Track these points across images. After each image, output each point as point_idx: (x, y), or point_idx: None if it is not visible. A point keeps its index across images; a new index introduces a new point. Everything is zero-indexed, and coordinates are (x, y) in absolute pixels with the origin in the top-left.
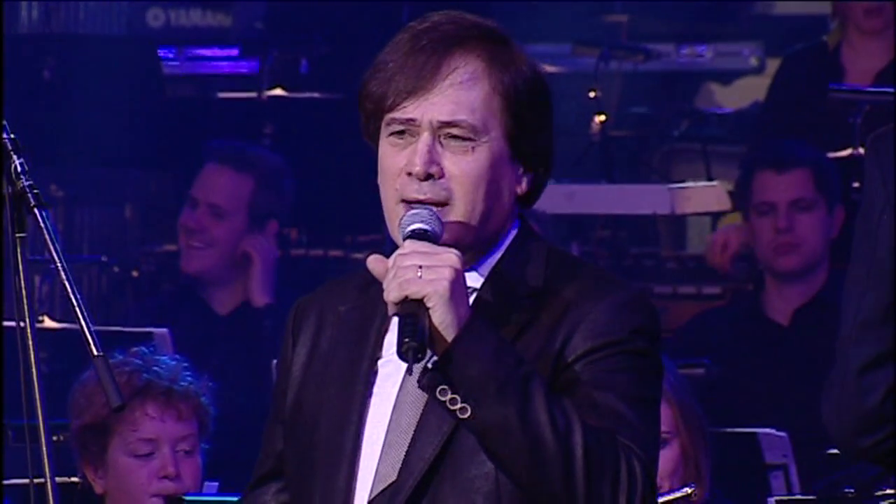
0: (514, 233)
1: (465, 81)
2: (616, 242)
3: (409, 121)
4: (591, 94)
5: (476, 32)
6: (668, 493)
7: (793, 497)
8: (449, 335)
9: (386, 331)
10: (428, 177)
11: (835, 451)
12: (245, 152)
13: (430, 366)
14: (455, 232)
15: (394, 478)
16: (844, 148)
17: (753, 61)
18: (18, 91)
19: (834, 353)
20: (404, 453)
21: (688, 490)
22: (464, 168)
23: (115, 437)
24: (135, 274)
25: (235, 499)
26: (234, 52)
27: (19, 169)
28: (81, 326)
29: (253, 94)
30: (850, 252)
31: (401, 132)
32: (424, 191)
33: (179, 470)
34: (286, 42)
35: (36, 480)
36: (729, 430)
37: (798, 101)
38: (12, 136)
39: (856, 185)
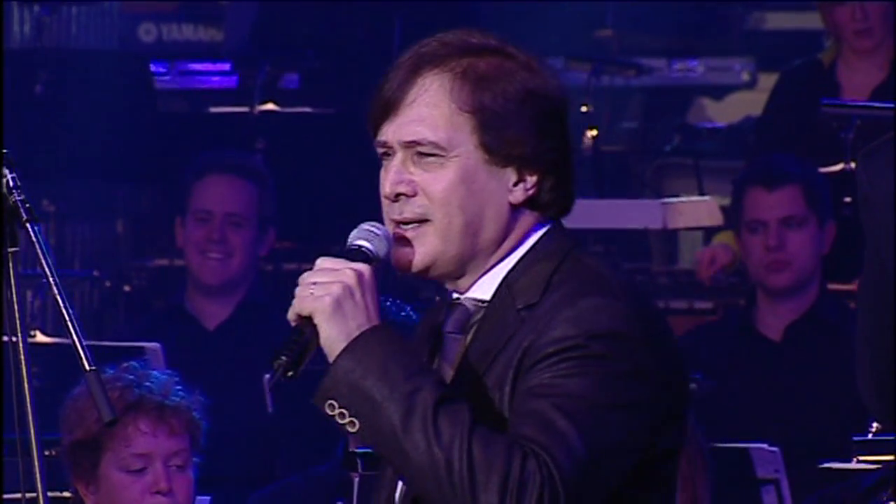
0: (530, 241)
1: (427, 100)
2: (607, 257)
3: (384, 143)
4: (583, 109)
5: (455, 50)
6: None
7: None
8: (335, 351)
9: (436, 352)
10: (399, 196)
11: (827, 465)
12: (242, 160)
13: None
14: (436, 246)
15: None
16: (836, 163)
17: (745, 76)
18: (10, 106)
19: (826, 369)
20: None
21: None
22: (433, 184)
23: (107, 452)
24: (127, 288)
25: None
26: (226, 66)
27: (11, 184)
28: (73, 341)
29: (245, 109)
30: (841, 267)
31: (385, 154)
32: (401, 210)
33: (172, 485)
34: (278, 57)
35: (28, 495)
36: (720, 444)
37: (793, 117)
38: (4, 150)
39: (847, 199)
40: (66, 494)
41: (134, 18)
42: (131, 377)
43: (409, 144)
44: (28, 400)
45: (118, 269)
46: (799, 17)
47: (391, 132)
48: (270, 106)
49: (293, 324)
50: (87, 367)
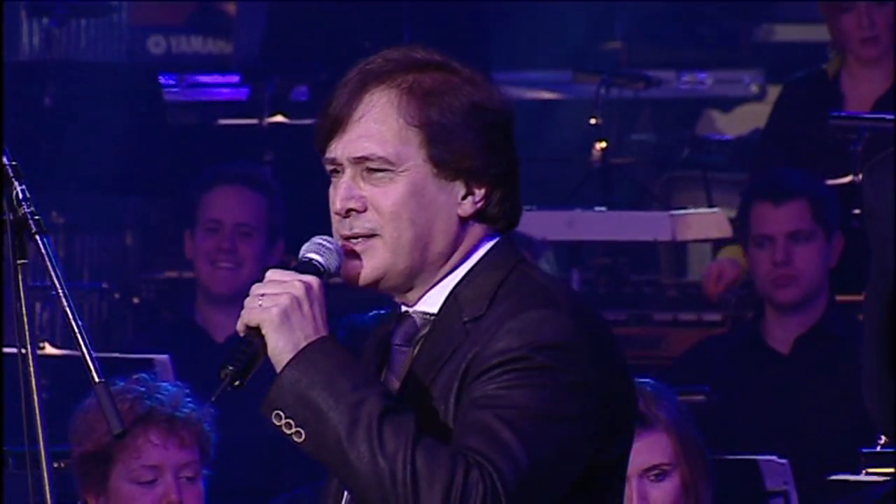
0: (478, 254)
1: (375, 115)
2: (616, 269)
3: (333, 160)
4: (592, 121)
5: (400, 66)
6: None
7: None
8: (282, 362)
9: (384, 364)
10: (349, 212)
11: (835, 477)
12: (254, 172)
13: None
14: (386, 259)
15: None
16: (844, 175)
17: (754, 88)
18: (19, 118)
19: (835, 381)
20: None
21: None
22: (383, 199)
23: (117, 464)
24: (136, 301)
25: None
26: (235, 79)
27: (20, 195)
28: (82, 353)
29: (254, 121)
30: (850, 280)
31: (334, 171)
32: (351, 226)
33: (182, 497)
34: (287, 69)
35: None
36: (729, 457)
37: (798, 129)
38: (13, 162)
39: (856, 211)
40: None
41: (143, 31)
42: (141, 389)
43: (359, 160)
44: (37, 412)
45: (127, 281)
46: (808, 29)
47: (340, 149)
48: (279, 118)
49: (241, 334)
50: (97, 380)
